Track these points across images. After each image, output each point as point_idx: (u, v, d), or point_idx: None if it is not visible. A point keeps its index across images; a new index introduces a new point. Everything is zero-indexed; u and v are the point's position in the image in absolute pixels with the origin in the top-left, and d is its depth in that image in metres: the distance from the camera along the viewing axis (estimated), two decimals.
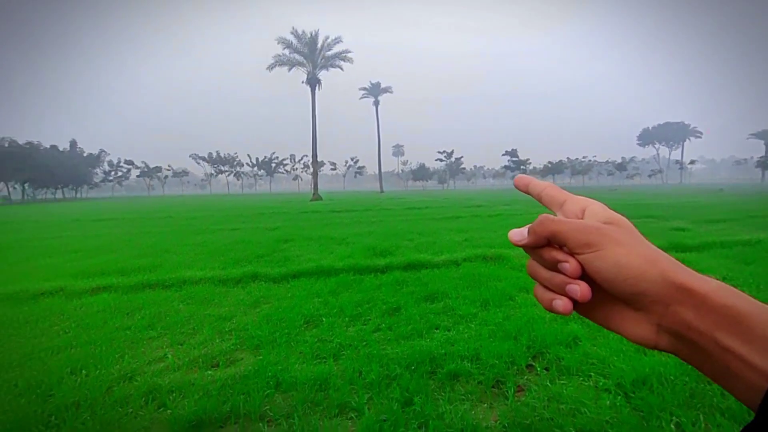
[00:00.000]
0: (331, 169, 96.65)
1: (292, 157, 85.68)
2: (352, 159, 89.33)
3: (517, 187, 0.40)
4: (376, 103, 63.37)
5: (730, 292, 0.26)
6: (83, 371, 2.64)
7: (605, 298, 0.31)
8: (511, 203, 19.96)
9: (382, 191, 61.81)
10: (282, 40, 32.68)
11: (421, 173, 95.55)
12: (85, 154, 66.42)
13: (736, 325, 0.25)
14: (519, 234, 0.34)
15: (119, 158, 74.40)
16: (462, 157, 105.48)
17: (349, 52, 35.29)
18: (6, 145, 51.32)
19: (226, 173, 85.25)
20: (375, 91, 63.19)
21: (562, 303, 0.32)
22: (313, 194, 34.12)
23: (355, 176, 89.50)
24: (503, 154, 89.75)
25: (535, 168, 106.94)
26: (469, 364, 2.57)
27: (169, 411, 2.17)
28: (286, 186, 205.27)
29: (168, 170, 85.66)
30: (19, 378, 2.58)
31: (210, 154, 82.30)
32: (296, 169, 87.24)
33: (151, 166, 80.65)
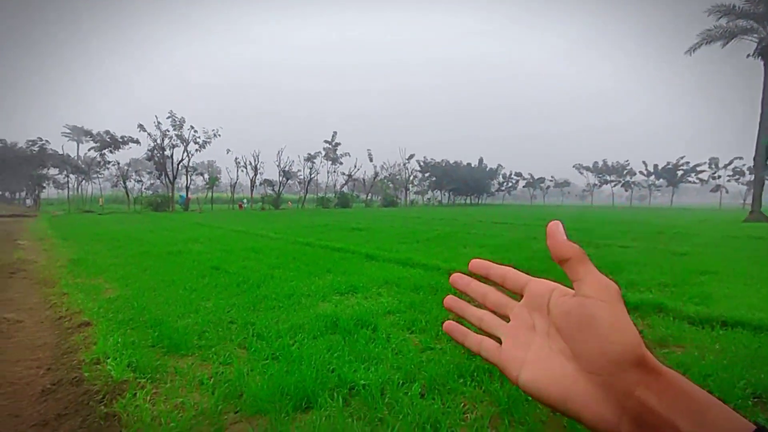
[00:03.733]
0: None
1: (713, 161, 65.73)
2: None
3: (474, 271, 0.39)
4: None
5: (689, 381, 0.28)
6: None
7: (566, 373, 0.31)
8: None
9: None
10: (716, 9, 25.61)
11: None
12: (487, 169, 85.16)
13: (697, 414, 0.27)
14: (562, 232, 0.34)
15: (511, 171, 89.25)
16: None
17: None
18: (443, 164, 75.74)
19: (612, 183, 79.40)
20: None
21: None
22: (751, 212, 24.41)
23: None
24: None
25: None
26: None
27: None
28: (696, 199, 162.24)
29: (550, 181, 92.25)
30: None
31: (595, 163, 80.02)
32: (718, 177, 66.28)
33: (536, 177, 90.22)
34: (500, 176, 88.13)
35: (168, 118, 39.90)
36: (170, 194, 40.28)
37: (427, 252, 8.67)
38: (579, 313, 0.31)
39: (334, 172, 55.51)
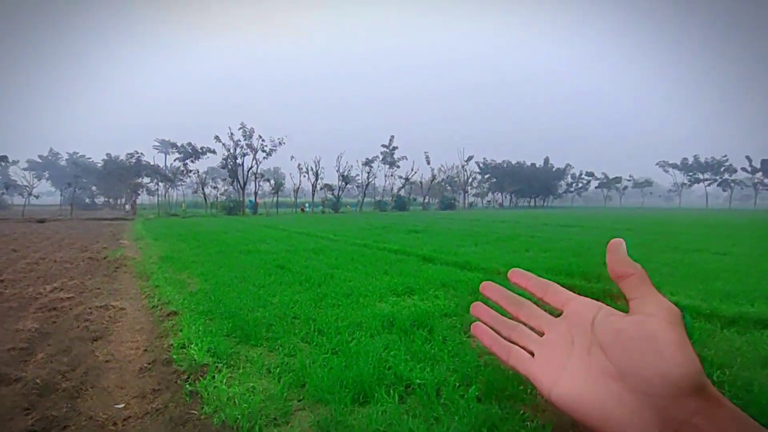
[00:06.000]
0: None
1: None
2: None
3: (513, 282, 0.37)
4: None
5: (748, 417, 0.28)
6: None
7: (609, 391, 0.29)
8: None
9: None
10: None
11: None
12: (554, 169, 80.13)
13: None
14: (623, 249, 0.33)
15: (581, 170, 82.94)
16: None
17: None
18: (505, 165, 72.74)
19: (706, 182, 70.23)
20: None
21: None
22: None
23: None
24: None
25: None
26: None
27: None
28: None
29: (628, 180, 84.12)
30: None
31: (684, 159, 71.43)
32: None
33: (611, 176, 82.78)
34: (569, 176, 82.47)
35: (239, 128, 43.48)
36: (241, 199, 43.75)
37: (486, 255, 8.45)
38: (637, 332, 0.29)
39: (392, 175, 56.13)
